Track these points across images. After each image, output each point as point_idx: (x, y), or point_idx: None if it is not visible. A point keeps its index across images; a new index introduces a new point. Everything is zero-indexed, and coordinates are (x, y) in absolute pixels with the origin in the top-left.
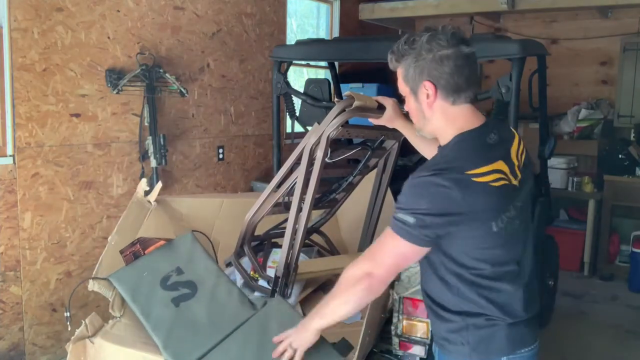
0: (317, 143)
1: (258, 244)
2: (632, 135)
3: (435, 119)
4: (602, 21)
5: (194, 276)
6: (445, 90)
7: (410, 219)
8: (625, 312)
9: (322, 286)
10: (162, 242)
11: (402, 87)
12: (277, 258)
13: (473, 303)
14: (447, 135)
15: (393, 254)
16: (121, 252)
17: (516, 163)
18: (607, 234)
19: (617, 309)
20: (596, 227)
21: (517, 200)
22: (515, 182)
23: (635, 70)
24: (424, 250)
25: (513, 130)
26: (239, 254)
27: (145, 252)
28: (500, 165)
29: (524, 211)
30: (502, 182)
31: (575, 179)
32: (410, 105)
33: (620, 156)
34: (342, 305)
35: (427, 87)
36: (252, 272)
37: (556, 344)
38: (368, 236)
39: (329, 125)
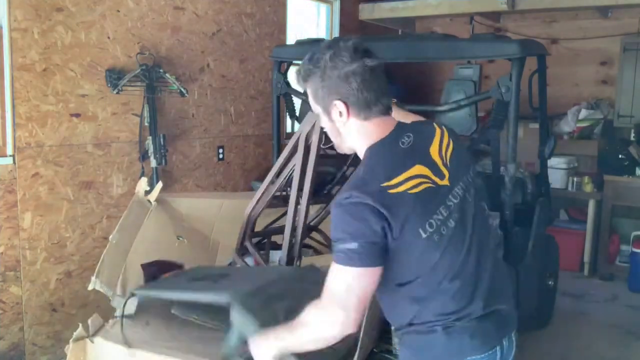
0: (312, 128)
1: (258, 242)
2: (632, 135)
3: (351, 136)
4: (602, 21)
5: (225, 270)
6: (356, 107)
7: (353, 245)
8: (625, 312)
9: None
10: (177, 271)
11: (314, 107)
12: (276, 259)
13: (412, 312)
14: (362, 149)
15: (354, 287)
16: (142, 266)
17: (439, 161)
18: (607, 234)
19: (617, 309)
20: (596, 227)
21: (448, 200)
22: (442, 182)
23: (635, 70)
24: (377, 272)
25: (436, 125)
26: (241, 250)
27: (164, 275)
28: (419, 169)
29: (463, 207)
30: (423, 187)
31: (575, 179)
32: (325, 124)
33: (620, 156)
34: (307, 344)
35: (338, 106)
36: None
37: (556, 344)
38: None
39: None
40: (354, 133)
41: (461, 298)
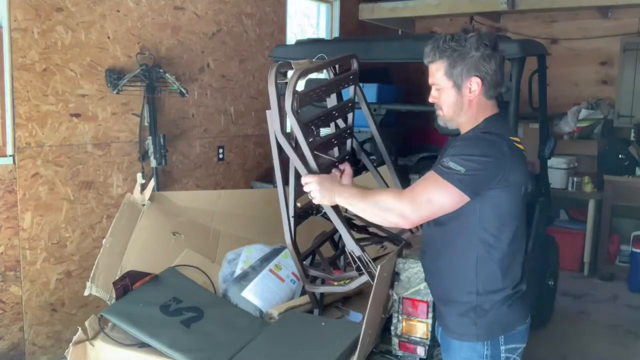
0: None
1: (312, 261)
2: (632, 135)
3: (471, 110)
4: (602, 21)
5: (196, 302)
6: (488, 86)
7: (461, 168)
8: (625, 312)
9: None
10: (149, 277)
11: (442, 81)
12: (282, 263)
13: (485, 276)
14: (473, 121)
15: (436, 201)
16: (114, 284)
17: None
18: (607, 234)
19: (617, 309)
20: (596, 227)
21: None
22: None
23: (635, 70)
24: (464, 200)
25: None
26: (310, 279)
27: (134, 287)
28: (519, 140)
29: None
30: (524, 155)
31: (575, 179)
32: (447, 97)
33: (620, 156)
34: (367, 213)
35: (473, 82)
36: (335, 283)
37: (556, 344)
38: None
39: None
40: (474, 108)
41: (519, 270)
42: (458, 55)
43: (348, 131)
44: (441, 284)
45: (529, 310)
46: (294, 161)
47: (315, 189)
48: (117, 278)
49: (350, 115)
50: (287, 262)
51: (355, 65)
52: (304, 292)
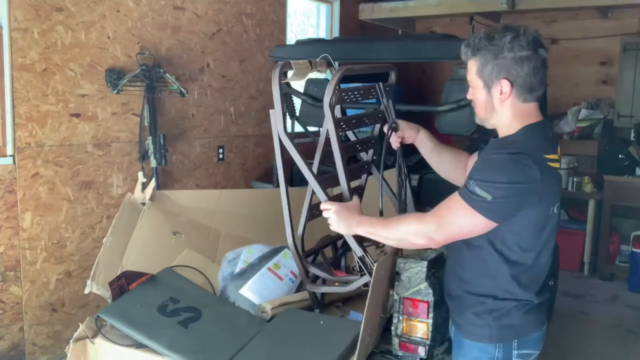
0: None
1: (314, 259)
2: (632, 135)
3: (503, 113)
4: (602, 21)
5: (193, 302)
6: (520, 90)
7: (487, 195)
8: (625, 312)
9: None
10: (146, 277)
11: (474, 80)
12: (282, 262)
13: (504, 285)
14: (511, 128)
15: (462, 226)
16: (109, 284)
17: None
18: (607, 234)
19: (617, 309)
20: (596, 227)
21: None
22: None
23: (635, 70)
24: (491, 226)
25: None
26: (311, 278)
27: (130, 287)
28: (557, 157)
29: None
30: (559, 171)
31: (575, 179)
32: (479, 97)
33: (620, 156)
34: (391, 240)
35: (503, 85)
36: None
37: (556, 344)
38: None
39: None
40: (508, 110)
41: (538, 281)
42: (491, 54)
43: (373, 141)
44: (460, 286)
45: (546, 318)
46: (301, 167)
47: (334, 217)
48: (111, 280)
49: (377, 125)
50: (286, 261)
51: (393, 77)
52: (299, 290)
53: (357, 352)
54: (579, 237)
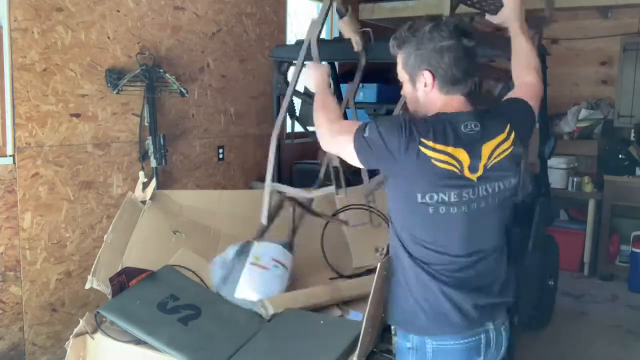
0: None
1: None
2: (632, 135)
3: (428, 106)
4: (602, 21)
5: (193, 300)
6: (441, 81)
7: (367, 132)
8: (625, 312)
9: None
10: (146, 274)
11: (401, 74)
12: (259, 253)
13: (402, 265)
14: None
15: (341, 145)
16: (110, 280)
17: (484, 161)
18: (607, 234)
19: (617, 309)
20: (596, 227)
21: (465, 193)
22: (469, 176)
23: (635, 70)
24: (356, 161)
25: (508, 127)
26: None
27: (130, 284)
28: (459, 153)
29: (478, 208)
30: (446, 167)
31: (575, 179)
32: (406, 90)
33: (620, 156)
34: (315, 117)
35: (425, 76)
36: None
37: (556, 344)
38: None
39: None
40: (432, 104)
41: (448, 281)
42: (413, 46)
43: None
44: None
45: (475, 329)
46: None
47: (311, 72)
48: (112, 275)
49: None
50: (262, 250)
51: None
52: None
53: (357, 351)
54: (579, 237)
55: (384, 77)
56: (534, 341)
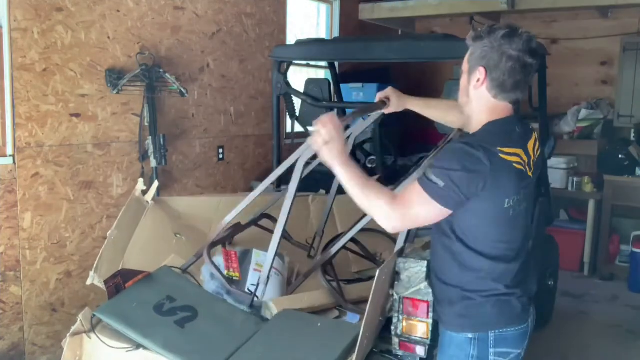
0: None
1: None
2: (632, 135)
3: (475, 103)
4: (602, 21)
5: (190, 301)
6: (492, 83)
7: (440, 182)
8: (625, 312)
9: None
10: (142, 275)
11: (464, 65)
12: (260, 260)
13: (472, 273)
14: (478, 122)
15: (419, 215)
16: (105, 282)
17: (532, 157)
18: (607, 234)
19: (617, 309)
20: (596, 227)
21: (526, 188)
22: (529, 173)
23: (635, 70)
24: (446, 213)
25: (532, 129)
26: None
27: (126, 285)
28: (521, 153)
29: (529, 199)
30: (520, 167)
31: (575, 179)
32: (462, 83)
33: (620, 156)
34: (357, 200)
35: (480, 72)
36: (228, 272)
37: (556, 344)
38: None
39: None
40: (478, 102)
41: (511, 273)
42: (482, 43)
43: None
44: (435, 275)
45: (528, 316)
46: None
47: (324, 139)
48: (107, 277)
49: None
50: (262, 259)
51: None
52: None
53: (356, 352)
54: (579, 237)
55: (384, 77)
56: (534, 341)
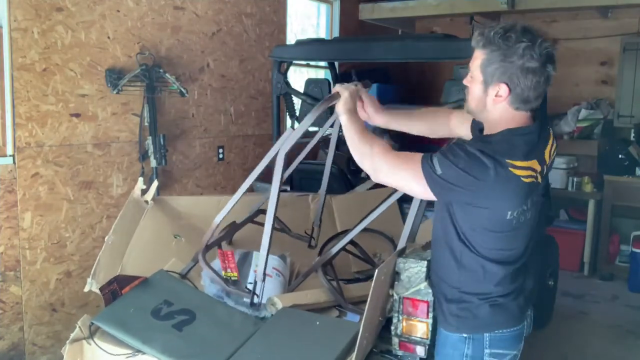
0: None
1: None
2: (632, 135)
3: (493, 113)
4: (602, 21)
5: (187, 305)
6: (515, 98)
7: (438, 168)
8: (625, 312)
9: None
10: (139, 280)
11: (476, 72)
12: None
13: (471, 274)
14: (495, 127)
15: (404, 181)
16: (100, 289)
17: (546, 162)
18: (607, 234)
19: (617, 309)
20: (596, 227)
21: (535, 195)
22: (539, 180)
23: (635, 70)
24: (429, 196)
25: (550, 131)
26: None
27: (123, 291)
28: (535, 164)
29: (537, 206)
30: (530, 180)
31: (575, 179)
32: (475, 90)
33: (620, 156)
34: (353, 145)
35: (501, 89)
36: (225, 272)
37: (556, 344)
38: None
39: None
40: (498, 113)
41: (509, 278)
42: (500, 54)
43: None
44: (436, 273)
45: (524, 317)
46: None
47: (345, 96)
48: (103, 285)
49: None
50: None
51: None
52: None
53: (355, 352)
54: (579, 237)
55: (384, 77)
56: (534, 341)
